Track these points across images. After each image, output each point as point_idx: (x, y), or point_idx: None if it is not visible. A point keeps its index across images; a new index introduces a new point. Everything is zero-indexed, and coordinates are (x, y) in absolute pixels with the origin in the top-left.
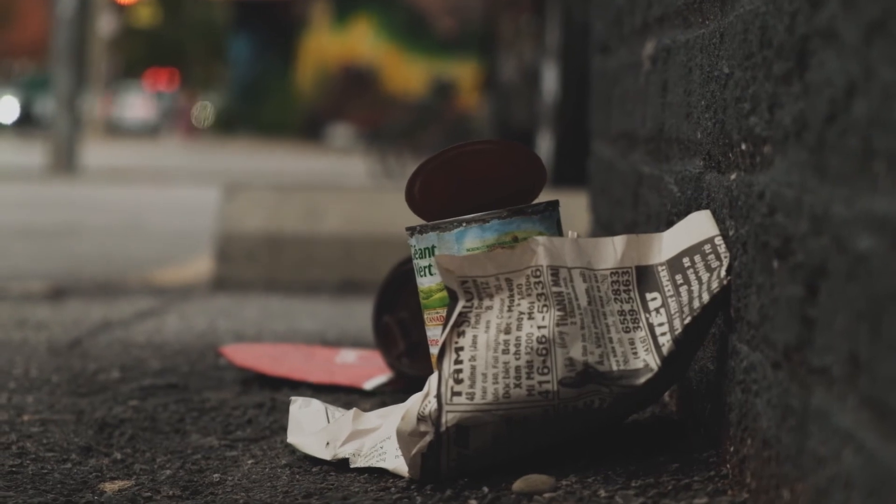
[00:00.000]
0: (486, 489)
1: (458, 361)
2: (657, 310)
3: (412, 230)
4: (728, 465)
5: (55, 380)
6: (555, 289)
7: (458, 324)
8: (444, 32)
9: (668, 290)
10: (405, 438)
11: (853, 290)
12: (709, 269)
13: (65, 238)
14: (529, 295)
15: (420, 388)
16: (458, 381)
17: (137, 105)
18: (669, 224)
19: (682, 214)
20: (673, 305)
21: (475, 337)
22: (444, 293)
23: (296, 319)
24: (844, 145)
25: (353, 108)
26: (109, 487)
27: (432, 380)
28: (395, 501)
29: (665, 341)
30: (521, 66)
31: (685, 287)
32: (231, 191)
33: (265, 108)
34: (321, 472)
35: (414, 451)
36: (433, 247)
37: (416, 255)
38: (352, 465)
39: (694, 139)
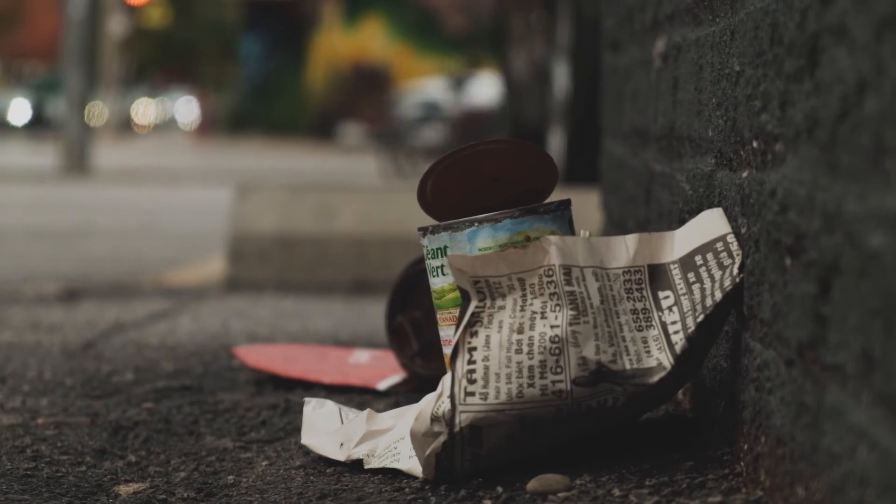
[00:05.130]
0: (500, 489)
1: (471, 361)
2: (670, 308)
3: (424, 230)
4: (742, 463)
5: (69, 382)
6: (567, 288)
7: (470, 324)
8: (455, 30)
9: (681, 289)
10: (419, 439)
11: (866, 286)
12: (721, 266)
13: (77, 239)
14: (542, 294)
15: (433, 388)
16: (472, 382)
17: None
18: (681, 222)
19: (694, 212)
20: (686, 304)
21: (488, 337)
22: (457, 293)
23: (309, 320)
24: (856, 142)
25: (365, 106)
26: (124, 490)
27: (445, 380)
28: (410, 502)
29: (678, 339)
30: (532, 64)
31: (698, 285)
32: (243, 191)
33: (276, 107)
34: (335, 473)
35: (428, 452)
36: (445, 247)
37: (429, 256)
38: (366, 466)
39: (705, 137)
